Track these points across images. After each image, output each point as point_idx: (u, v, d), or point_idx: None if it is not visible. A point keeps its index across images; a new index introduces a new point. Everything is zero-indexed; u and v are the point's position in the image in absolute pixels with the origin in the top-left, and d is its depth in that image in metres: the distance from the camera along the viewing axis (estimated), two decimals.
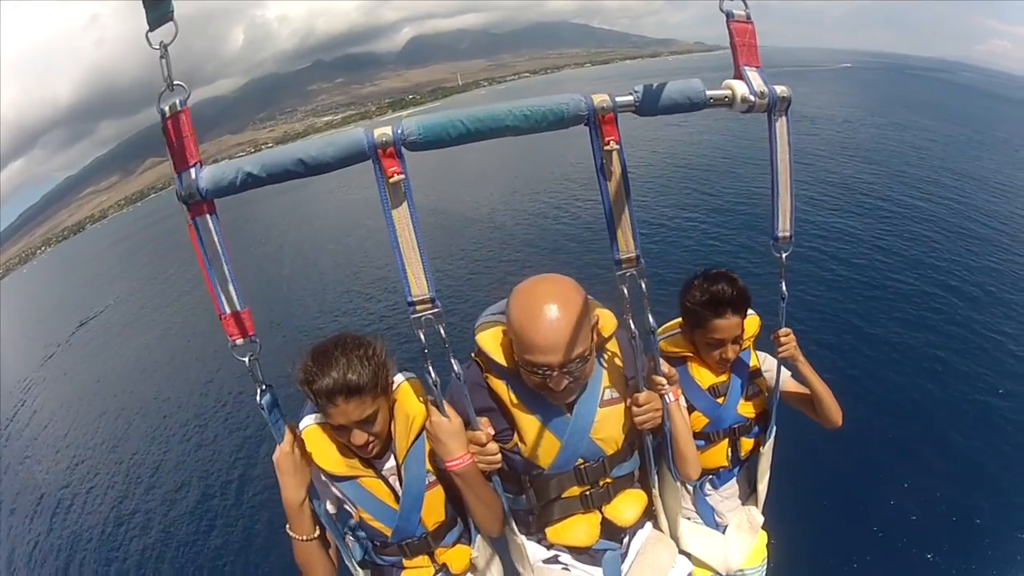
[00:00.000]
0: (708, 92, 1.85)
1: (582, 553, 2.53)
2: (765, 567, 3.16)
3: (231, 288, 1.81)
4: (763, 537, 3.13)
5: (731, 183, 17.83)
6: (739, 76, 1.89)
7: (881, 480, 6.32)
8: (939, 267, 13.46)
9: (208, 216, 1.75)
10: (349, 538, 2.38)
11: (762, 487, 2.99)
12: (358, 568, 2.40)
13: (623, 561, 2.57)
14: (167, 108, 1.66)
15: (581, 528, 2.45)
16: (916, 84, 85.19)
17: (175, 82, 1.63)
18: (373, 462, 2.26)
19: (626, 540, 2.59)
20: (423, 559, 2.39)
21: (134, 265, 38.45)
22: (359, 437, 2.06)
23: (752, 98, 1.84)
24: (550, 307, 2.01)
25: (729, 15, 1.86)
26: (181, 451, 11.74)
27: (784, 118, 1.97)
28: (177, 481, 10.48)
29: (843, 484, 6.20)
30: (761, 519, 3.05)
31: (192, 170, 1.70)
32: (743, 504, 3.09)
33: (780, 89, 1.89)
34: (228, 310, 1.83)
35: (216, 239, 1.77)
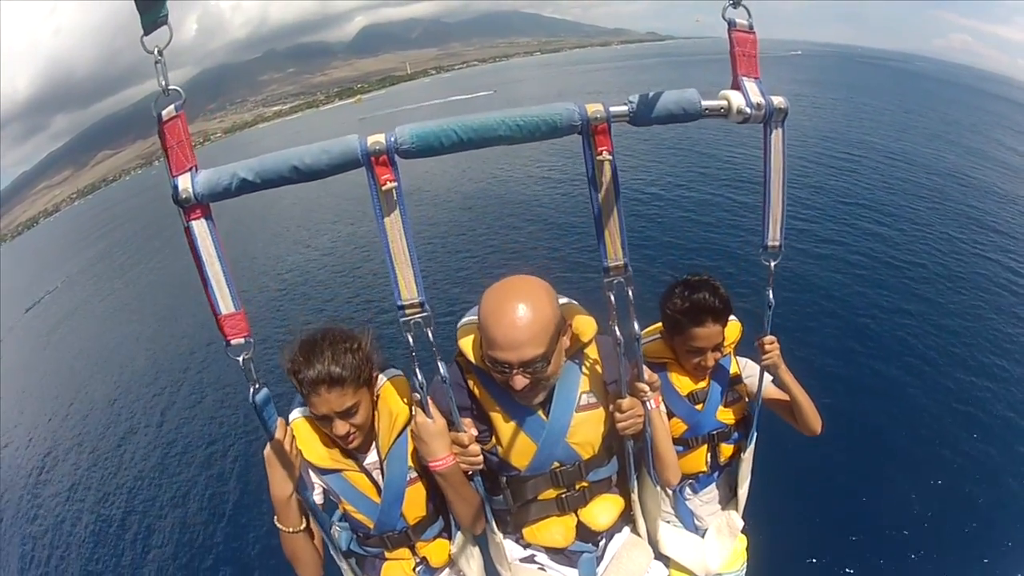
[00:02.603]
0: (704, 103, 1.84)
1: (558, 553, 2.59)
2: (744, 571, 3.20)
3: (227, 290, 1.83)
4: (743, 541, 3.17)
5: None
6: (736, 87, 1.88)
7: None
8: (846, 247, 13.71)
9: (204, 219, 1.76)
10: (335, 528, 2.48)
11: (742, 492, 3.02)
12: (342, 559, 2.46)
13: (599, 564, 2.62)
14: (163, 113, 1.68)
15: (557, 530, 2.51)
16: (864, 70, 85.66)
17: (170, 87, 1.65)
18: (356, 455, 2.35)
19: (603, 543, 2.64)
20: (404, 551, 2.49)
21: (79, 254, 37.86)
22: (340, 427, 2.15)
23: (748, 110, 1.83)
24: (514, 306, 2.05)
25: (731, 24, 1.84)
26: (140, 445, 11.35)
27: (780, 129, 1.96)
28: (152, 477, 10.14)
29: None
30: (741, 523, 3.07)
31: (188, 174, 1.71)
32: (723, 508, 3.12)
33: (777, 100, 1.88)
34: (223, 311, 1.84)
35: (211, 242, 1.78)
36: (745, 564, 3.19)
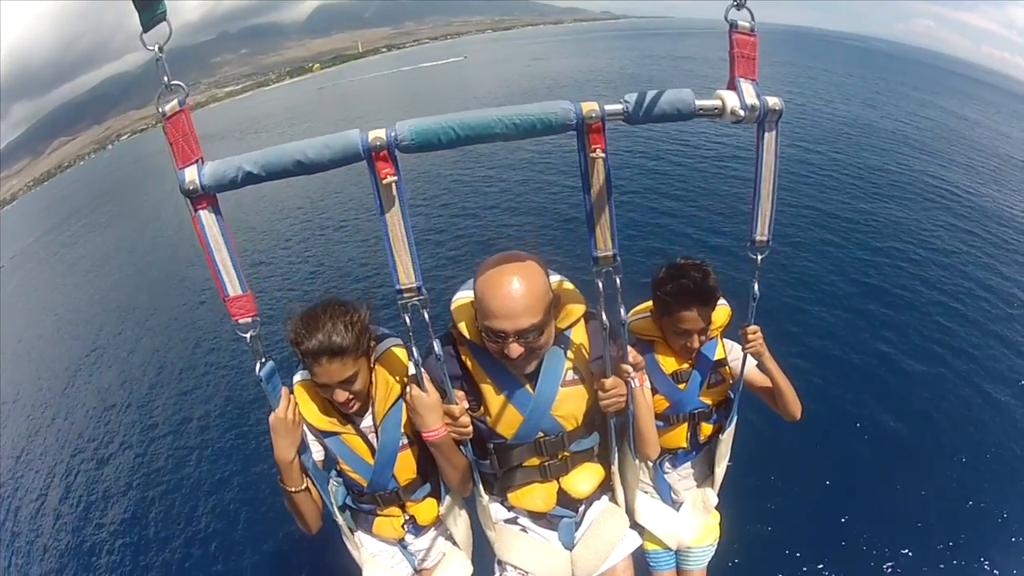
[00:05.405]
0: (698, 102, 1.87)
1: (540, 518, 2.79)
2: (715, 547, 3.34)
3: (234, 274, 1.94)
4: (716, 517, 3.30)
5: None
6: (732, 87, 1.90)
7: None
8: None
9: (210, 208, 1.84)
10: (332, 483, 2.65)
11: (719, 470, 3.11)
12: (338, 513, 2.63)
13: (577, 529, 2.81)
14: (167, 109, 1.72)
15: (539, 495, 2.67)
16: (816, 47, 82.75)
17: (173, 82, 1.70)
18: (353, 418, 2.50)
19: (582, 509, 2.82)
20: (394, 509, 2.71)
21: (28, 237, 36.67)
22: (340, 395, 2.29)
23: (742, 112, 1.86)
24: (510, 278, 2.16)
25: (733, 25, 1.86)
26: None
27: (774, 131, 2.00)
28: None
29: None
30: (715, 500, 3.20)
31: (194, 166, 1.77)
32: (700, 485, 3.24)
33: (772, 101, 1.91)
34: (231, 294, 1.96)
35: (218, 229, 1.87)
36: (717, 540, 3.33)
